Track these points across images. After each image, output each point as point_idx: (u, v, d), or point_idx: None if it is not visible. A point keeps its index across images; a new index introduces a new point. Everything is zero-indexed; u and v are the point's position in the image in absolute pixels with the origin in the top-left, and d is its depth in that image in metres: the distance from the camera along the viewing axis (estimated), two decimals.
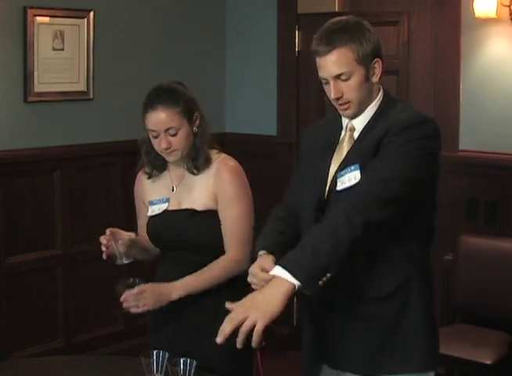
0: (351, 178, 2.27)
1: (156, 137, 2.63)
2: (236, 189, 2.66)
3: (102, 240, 2.63)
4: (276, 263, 2.13)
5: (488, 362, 3.62)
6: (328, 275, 2.15)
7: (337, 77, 2.29)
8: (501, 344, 3.76)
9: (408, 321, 2.32)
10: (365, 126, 2.36)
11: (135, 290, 2.53)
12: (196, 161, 2.67)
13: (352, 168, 2.27)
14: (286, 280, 2.04)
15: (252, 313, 1.99)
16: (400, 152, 2.20)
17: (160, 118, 2.60)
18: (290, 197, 2.58)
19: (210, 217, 2.66)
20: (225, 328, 1.98)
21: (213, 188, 2.66)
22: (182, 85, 2.72)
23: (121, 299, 2.49)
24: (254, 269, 2.28)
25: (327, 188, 2.35)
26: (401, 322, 2.32)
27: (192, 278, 2.61)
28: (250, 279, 2.27)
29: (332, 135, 2.43)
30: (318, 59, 2.31)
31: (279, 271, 2.06)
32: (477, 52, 4.17)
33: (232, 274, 2.65)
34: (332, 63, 2.28)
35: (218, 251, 2.67)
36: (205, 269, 2.62)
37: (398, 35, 4.47)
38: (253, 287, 2.27)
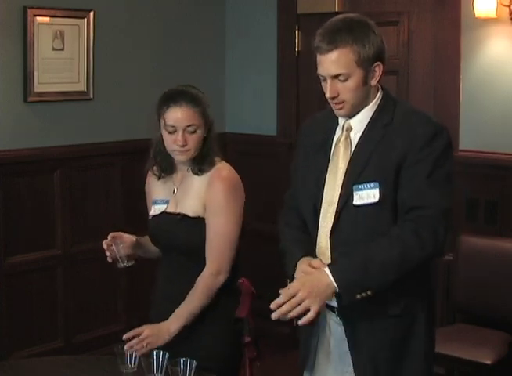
0: (370, 195, 2.28)
1: (171, 133, 2.63)
2: (225, 201, 2.63)
3: (104, 244, 2.68)
4: (331, 268, 2.24)
5: (488, 362, 3.62)
6: (368, 292, 2.23)
7: (335, 76, 2.28)
8: (501, 344, 3.76)
9: (414, 342, 2.36)
10: (364, 129, 2.35)
11: (132, 333, 2.52)
12: (202, 164, 2.67)
13: (372, 185, 2.27)
14: (332, 283, 2.21)
15: (308, 300, 2.18)
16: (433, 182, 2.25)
17: (183, 114, 2.61)
18: (294, 199, 2.56)
19: (199, 223, 2.65)
20: (279, 300, 2.18)
21: (204, 196, 2.65)
22: (198, 89, 2.72)
23: (126, 347, 2.47)
24: (302, 265, 2.33)
25: (336, 195, 2.35)
26: (409, 342, 2.35)
27: (182, 309, 2.61)
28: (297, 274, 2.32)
29: (326, 133, 2.43)
30: (318, 56, 2.30)
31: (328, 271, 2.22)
32: (477, 52, 4.17)
33: (215, 289, 2.64)
34: (331, 63, 2.27)
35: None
36: (189, 296, 2.62)
37: (398, 35, 4.47)
38: None
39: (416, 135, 2.27)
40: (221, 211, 2.62)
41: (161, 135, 2.70)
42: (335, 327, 2.43)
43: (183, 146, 2.62)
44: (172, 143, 2.63)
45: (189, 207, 2.67)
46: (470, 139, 4.21)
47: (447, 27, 4.28)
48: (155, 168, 2.77)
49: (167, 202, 2.74)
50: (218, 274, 2.62)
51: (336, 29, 2.27)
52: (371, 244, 2.25)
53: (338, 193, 2.34)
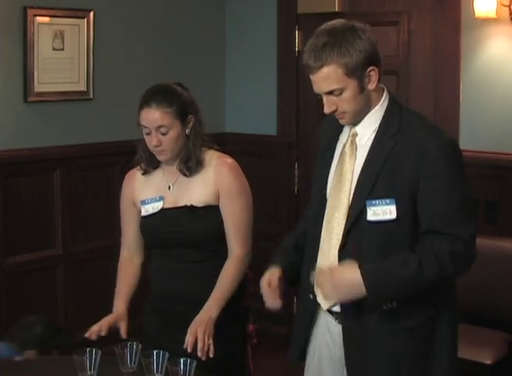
0: (385, 211, 2.24)
1: (147, 134, 2.67)
2: (240, 184, 2.71)
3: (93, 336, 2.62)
4: (363, 269, 2.22)
5: (488, 362, 3.62)
6: (394, 303, 2.24)
7: (329, 92, 2.26)
8: (501, 344, 3.76)
9: (434, 358, 2.32)
10: (373, 138, 2.31)
11: (191, 340, 2.51)
12: (188, 163, 2.69)
13: (387, 201, 2.24)
14: (362, 287, 2.20)
15: (333, 292, 2.24)
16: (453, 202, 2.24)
17: (152, 116, 2.63)
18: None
19: (209, 212, 2.68)
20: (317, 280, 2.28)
21: (214, 184, 2.69)
22: (182, 87, 2.74)
23: (200, 354, 2.47)
24: (263, 283, 2.43)
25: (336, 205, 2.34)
26: (428, 358, 2.31)
27: (216, 295, 2.62)
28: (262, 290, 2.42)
29: (330, 136, 2.42)
30: (309, 75, 2.27)
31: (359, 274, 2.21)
32: (477, 52, 4.17)
33: (243, 273, 2.71)
34: (322, 81, 2.24)
35: (217, 246, 2.70)
36: (221, 280, 2.64)
37: (398, 35, 4.47)
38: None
39: (428, 149, 2.23)
40: (239, 195, 2.70)
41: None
42: (335, 331, 2.41)
43: (157, 146, 2.65)
44: (149, 144, 2.68)
45: (196, 198, 2.69)
46: (470, 139, 4.20)
47: (447, 27, 4.28)
48: (142, 163, 2.78)
49: (161, 199, 2.74)
50: (248, 254, 2.71)
51: (320, 45, 2.22)
52: (405, 257, 2.23)
53: (346, 205, 2.31)
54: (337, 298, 2.26)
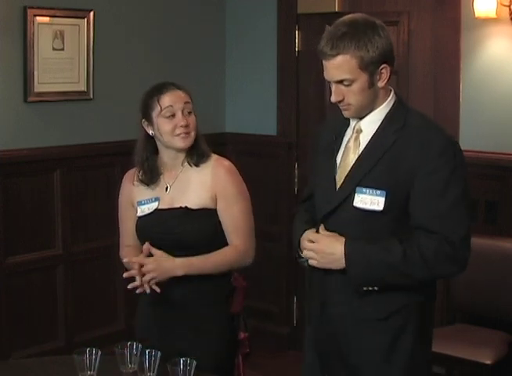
0: (373, 201, 2.27)
1: (170, 118, 2.65)
2: (237, 186, 2.70)
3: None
4: (347, 244, 2.26)
5: (488, 362, 3.62)
6: (375, 288, 2.26)
7: (339, 81, 2.29)
8: (501, 344, 3.76)
9: (400, 352, 2.33)
10: (375, 133, 2.34)
11: (135, 261, 2.57)
12: (198, 155, 2.71)
13: (378, 192, 2.26)
14: (342, 261, 2.26)
15: (318, 255, 2.30)
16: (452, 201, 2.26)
17: (178, 94, 2.67)
18: (308, 191, 2.60)
19: (204, 215, 2.67)
20: (305, 240, 2.36)
21: (211, 188, 2.68)
22: None
23: (129, 286, 2.52)
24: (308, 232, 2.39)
25: (337, 194, 2.35)
26: (394, 349, 2.33)
27: (194, 259, 2.62)
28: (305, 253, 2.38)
29: (335, 133, 2.43)
30: (323, 61, 2.31)
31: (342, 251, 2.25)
32: (477, 52, 4.17)
33: (236, 265, 2.69)
34: (335, 69, 2.27)
35: (210, 249, 2.68)
36: (209, 254, 2.63)
37: (398, 35, 4.46)
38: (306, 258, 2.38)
39: (429, 146, 2.25)
40: (238, 197, 2.69)
41: (143, 142, 2.75)
42: None
43: (186, 125, 2.65)
44: (173, 129, 2.66)
45: (192, 200, 2.68)
46: (470, 139, 4.20)
47: (447, 27, 4.28)
48: (142, 176, 2.76)
49: (157, 200, 2.74)
50: (244, 252, 2.68)
51: (340, 34, 2.26)
52: (393, 246, 2.24)
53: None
54: (319, 264, 2.30)
